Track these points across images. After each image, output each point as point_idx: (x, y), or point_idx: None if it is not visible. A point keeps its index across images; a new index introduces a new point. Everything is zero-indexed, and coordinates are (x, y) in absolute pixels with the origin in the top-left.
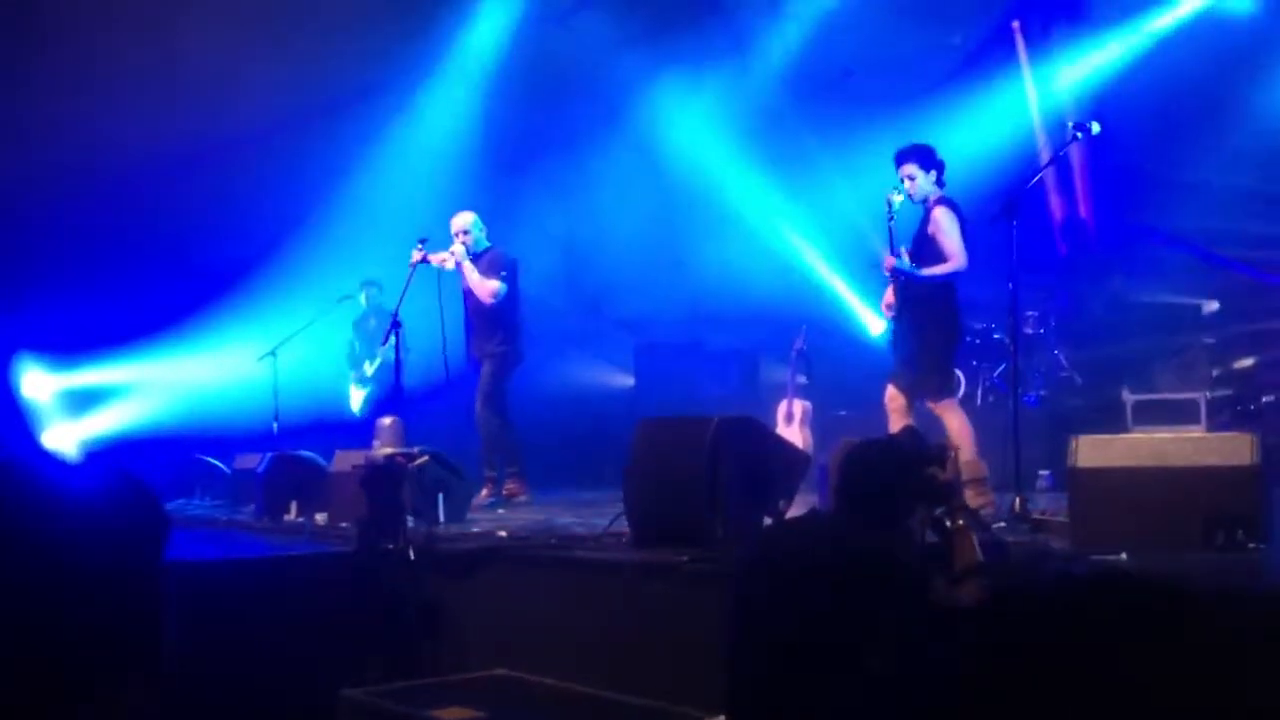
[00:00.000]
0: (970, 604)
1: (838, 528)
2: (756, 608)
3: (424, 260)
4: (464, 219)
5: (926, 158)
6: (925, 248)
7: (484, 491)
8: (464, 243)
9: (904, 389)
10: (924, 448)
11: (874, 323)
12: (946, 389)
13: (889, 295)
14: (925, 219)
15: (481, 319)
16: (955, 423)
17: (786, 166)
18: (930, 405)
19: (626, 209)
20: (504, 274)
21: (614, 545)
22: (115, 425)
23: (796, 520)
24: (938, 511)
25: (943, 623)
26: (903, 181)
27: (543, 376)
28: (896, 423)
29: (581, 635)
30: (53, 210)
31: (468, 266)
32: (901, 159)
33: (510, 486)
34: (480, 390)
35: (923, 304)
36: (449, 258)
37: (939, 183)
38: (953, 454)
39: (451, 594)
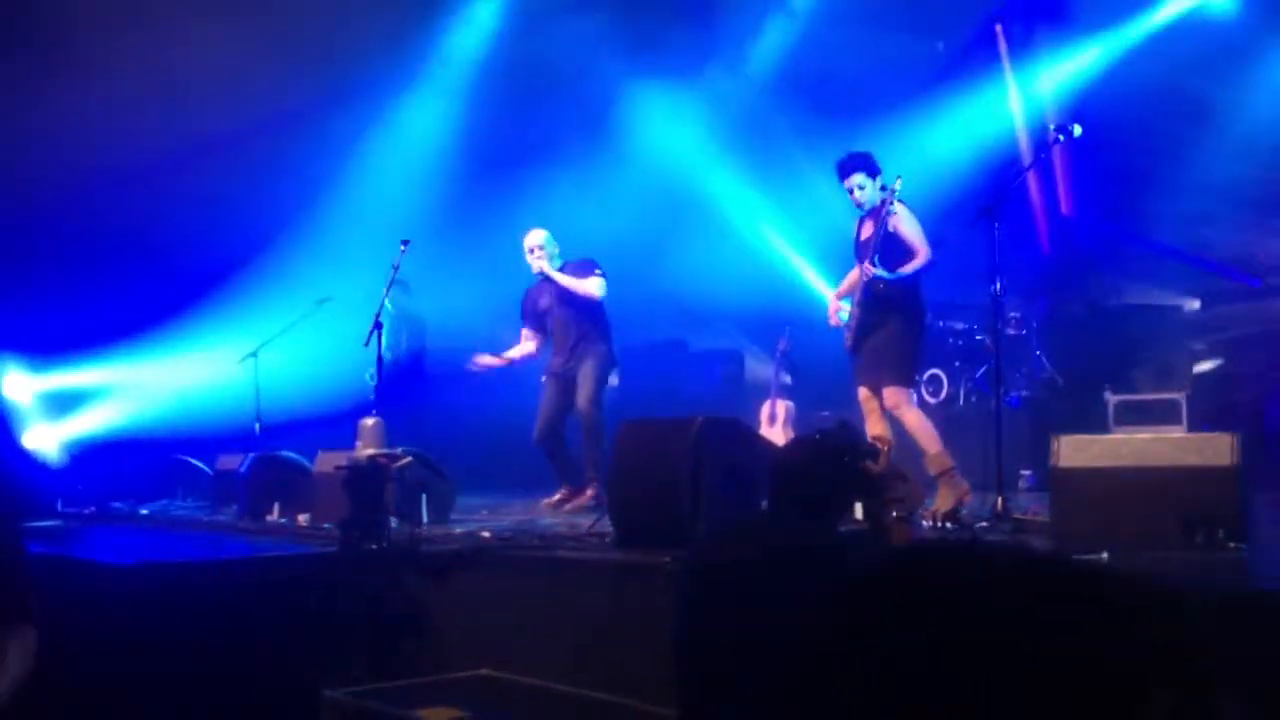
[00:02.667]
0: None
1: (771, 526)
2: (697, 608)
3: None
4: (535, 236)
5: (872, 165)
6: (890, 246)
7: (589, 493)
8: (539, 258)
9: (875, 387)
10: (857, 442)
11: None
12: (909, 378)
13: (834, 303)
14: (883, 220)
15: (572, 330)
16: (913, 418)
17: (769, 168)
18: (888, 404)
19: (610, 211)
20: (599, 270)
21: (596, 545)
22: (97, 426)
23: (732, 521)
24: (872, 504)
25: (875, 613)
26: (851, 192)
27: (525, 379)
28: (874, 422)
29: (564, 635)
30: (33, 212)
31: (559, 276)
32: (848, 169)
33: (593, 490)
34: (582, 392)
35: (892, 300)
36: (546, 269)
37: (882, 187)
38: (885, 449)
39: (434, 594)
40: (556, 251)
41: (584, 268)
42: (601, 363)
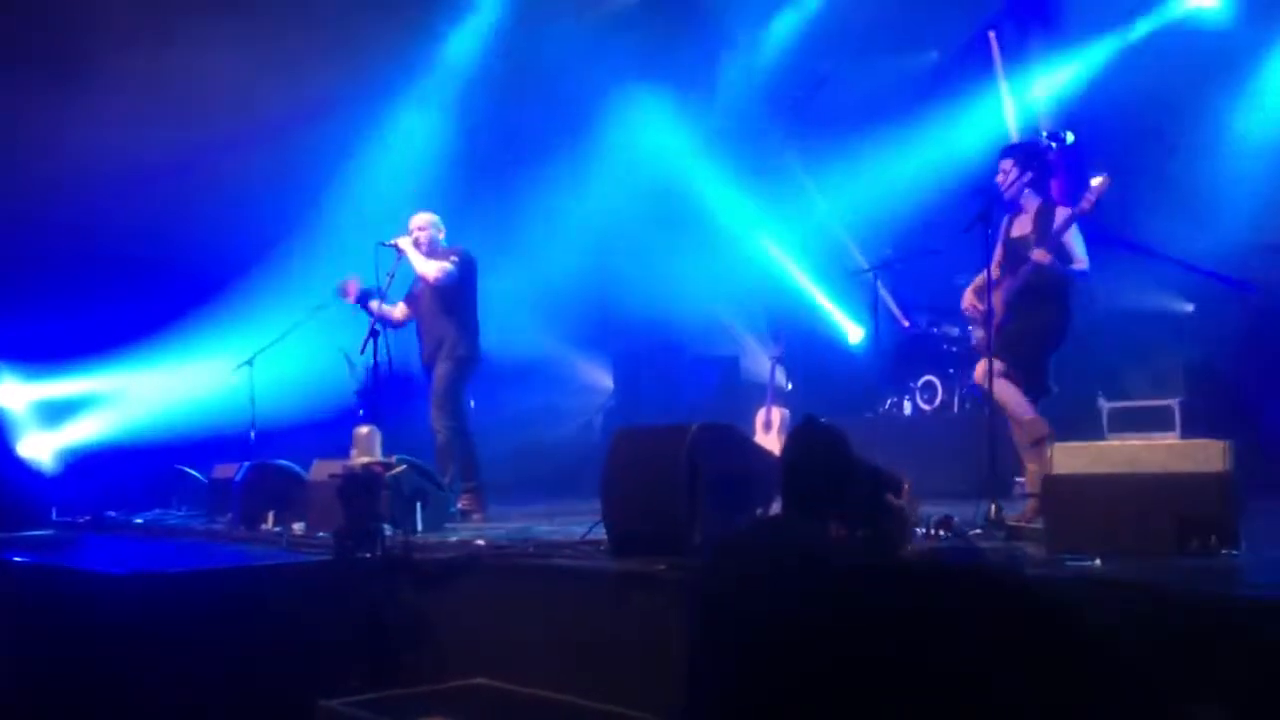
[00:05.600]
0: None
1: (774, 534)
2: (713, 617)
3: (394, 246)
4: (421, 217)
5: (1028, 154)
6: (1056, 247)
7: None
8: (416, 238)
9: (1014, 380)
10: (882, 474)
11: (852, 330)
12: (1046, 387)
13: (971, 298)
14: (1049, 218)
15: (435, 321)
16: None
17: (764, 176)
18: (980, 375)
19: (607, 217)
20: (454, 259)
21: (591, 553)
22: (92, 435)
23: (733, 532)
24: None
25: (874, 617)
26: (1009, 176)
27: (523, 389)
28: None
29: (559, 644)
30: (28, 220)
31: (412, 253)
32: (1004, 153)
33: (466, 502)
34: (434, 394)
35: (1048, 295)
36: (399, 242)
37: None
38: (907, 485)
39: (429, 603)
40: (441, 236)
41: (446, 255)
42: (452, 368)
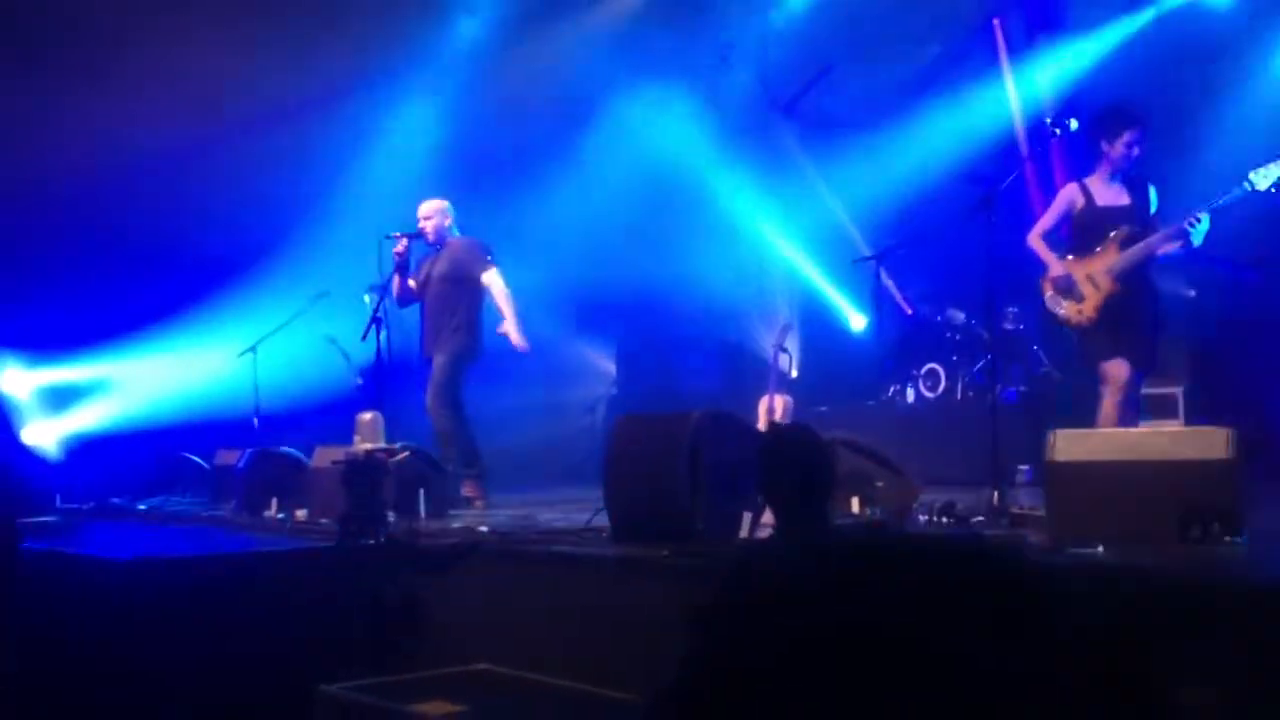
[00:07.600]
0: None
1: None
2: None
3: (403, 250)
4: (430, 205)
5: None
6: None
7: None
8: (423, 229)
9: (1137, 364)
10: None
11: (854, 318)
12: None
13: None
14: (1145, 191)
15: (443, 309)
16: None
17: (767, 163)
18: (1124, 380)
19: (611, 207)
20: (489, 257)
21: (594, 540)
22: (96, 422)
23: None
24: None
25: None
26: (1131, 149)
27: (524, 376)
28: (1115, 400)
29: (562, 630)
30: (31, 206)
31: (502, 301)
32: (1134, 120)
33: (468, 489)
34: (433, 383)
35: (1152, 280)
36: (402, 241)
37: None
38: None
39: (432, 589)
40: (449, 224)
41: (475, 251)
42: (455, 356)
